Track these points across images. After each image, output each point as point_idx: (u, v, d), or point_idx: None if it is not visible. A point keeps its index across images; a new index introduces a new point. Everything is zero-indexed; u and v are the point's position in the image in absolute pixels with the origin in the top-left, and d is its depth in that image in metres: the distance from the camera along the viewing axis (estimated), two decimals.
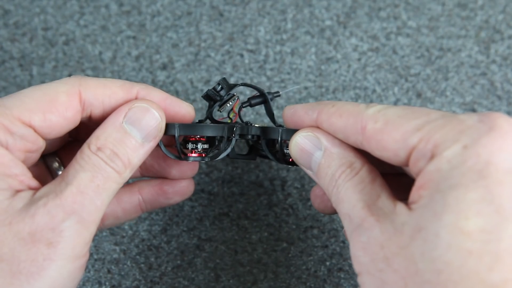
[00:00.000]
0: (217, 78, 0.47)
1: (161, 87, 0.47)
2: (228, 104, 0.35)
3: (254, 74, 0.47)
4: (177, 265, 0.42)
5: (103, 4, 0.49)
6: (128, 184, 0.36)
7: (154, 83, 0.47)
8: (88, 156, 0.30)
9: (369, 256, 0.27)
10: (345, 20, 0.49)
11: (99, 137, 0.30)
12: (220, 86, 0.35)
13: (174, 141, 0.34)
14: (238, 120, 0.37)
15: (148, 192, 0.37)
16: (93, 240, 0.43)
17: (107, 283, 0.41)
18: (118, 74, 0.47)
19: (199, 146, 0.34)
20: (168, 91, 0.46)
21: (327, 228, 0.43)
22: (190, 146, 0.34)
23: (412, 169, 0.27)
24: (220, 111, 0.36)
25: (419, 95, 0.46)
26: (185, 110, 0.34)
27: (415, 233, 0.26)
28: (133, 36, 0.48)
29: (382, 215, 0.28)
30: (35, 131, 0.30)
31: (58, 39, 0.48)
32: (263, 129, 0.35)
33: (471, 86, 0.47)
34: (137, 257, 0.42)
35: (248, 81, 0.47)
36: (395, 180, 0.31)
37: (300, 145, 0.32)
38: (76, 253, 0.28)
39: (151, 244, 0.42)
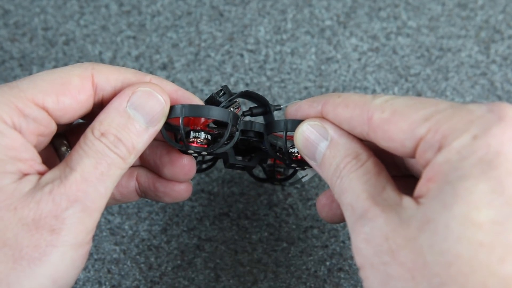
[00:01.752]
0: (217, 78, 0.47)
1: None
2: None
3: (254, 74, 0.47)
4: (177, 265, 0.42)
5: (103, 4, 0.49)
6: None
7: None
8: (92, 141, 0.29)
9: (372, 248, 0.26)
10: (345, 20, 0.49)
11: (102, 122, 0.30)
12: (222, 92, 0.34)
13: (176, 134, 0.33)
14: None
15: (143, 181, 0.36)
16: (93, 240, 0.43)
17: (107, 283, 0.41)
18: None
19: (202, 135, 0.33)
20: None
21: (327, 228, 0.43)
22: (192, 134, 0.33)
23: (419, 160, 0.27)
24: None
25: (419, 95, 0.46)
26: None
27: (423, 225, 0.25)
28: (133, 36, 0.48)
29: (387, 206, 0.27)
30: (49, 114, 0.30)
31: (58, 39, 0.48)
32: (267, 125, 0.34)
33: (471, 86, 0.47)
34: (137, 257, 0.42)
35: (248, 81, 0.47)
36: (398, 182, 0.31)
37: (306, 134, 0.31)
38: (79, 240, 0.28)
39: (151, 244, 0.42)
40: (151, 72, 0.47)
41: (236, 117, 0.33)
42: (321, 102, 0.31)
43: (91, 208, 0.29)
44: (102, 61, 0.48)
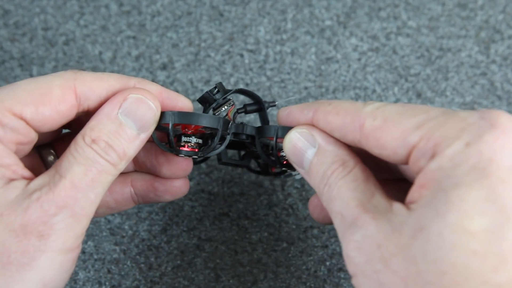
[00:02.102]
0: (217, 78, 0.47)
1: None
2: (223, 109, 0.35)
3: (254, 74, 0.47)
4: (177, 265, 0.42)
5: (103, 4, 0.49)
6: (122, 174, 0.36)
7: None
8: (82, 148, 0.29)
9: (364, 257, 0.26)
10: (345, 20, 0.49)
11: (94, 129, 0.30)
12: (216, 89, 0.34)
13: (167, 137, 0.34)
14: None
15: (140, 185, 0.36)
16: (93, 240, 0.43)
17: (107, 283, 0.41)
18: None
19: (193, 139, 0.34)
20: None
21: (327, 228, 0.43)
22: (183, 139, 0.34)
23: (412, 167, 0.27)
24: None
25: (419, 95, 0.46)
26: (182, 104, 0.34)
27: (416, 233, 0.25)
28: (133, 36, 0.48)
29: (378, 213, 0.27)
30: (27, 123, 0.30)
31: (58, 39, 0.48)
32: (259, 128, 0.34)
33: (471, 86, 0.47)
34: (137, 257, 0.42)
35: (248, 81, 0.47)
36: (387, 185, 0.31)
37: (294, 141, 0.31)
38: (68, 246, 0.28)
39: (151, 244, 0.42)
40: (151, 72, 0.47)
41: (226, 122, 0.33)
42: (312, 109, 0.31)
43: (81, 214, 0.29)
44: (102, 61, 0.48)
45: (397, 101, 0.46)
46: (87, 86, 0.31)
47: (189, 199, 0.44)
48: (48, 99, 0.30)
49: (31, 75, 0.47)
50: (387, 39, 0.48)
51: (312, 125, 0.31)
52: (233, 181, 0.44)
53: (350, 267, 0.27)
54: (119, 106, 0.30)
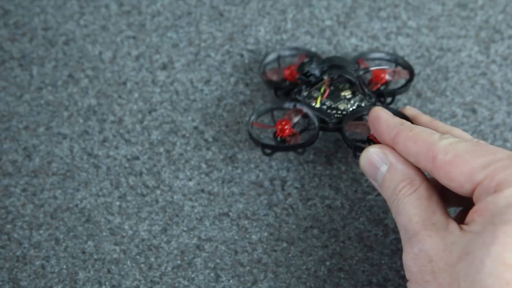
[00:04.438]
0: (217, 78, 0.47)
1: (161, 87, 0.47)
2: (317, 88, 0.41)
3: (254, 74, 0.47)
4: (177, 265, 0.42)
5: (103, 4, 0.49)
6: None
7: (154, 83, 0.47)
8: None
9: (418, 267, 0.31)
10: (345, 20, 0.49)
11: None
12: (312, 66, 0.40)
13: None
14: (324, 104, 0.42)
15: None
16: (93, 240, 0.43)
17: (107, 283, 0.41)
18: (118, 74, 0.47)
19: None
20: (168, 91, 0.47)
21: (327, 228, 0.43)
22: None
23: (474, 200, 0.31)
24: (308, 94, 0.42)
25: (419, 95, 0.46)
26: None
27: (463, 255, 0.29)
28: (133, 36, 0.48)
29: (435, 230, 0.31)
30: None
31: (58, 39, 0.48)
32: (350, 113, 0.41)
33: (471, 86, 0.47)
34: (137, 257, 0.42)
35: (248, 81, 0.47)
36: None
37: (369, 158, 0.36)
38: None
39: (151, 244, 0.42)
40: (151, 72, 0.47)
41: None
42: (395, 130, 0.35)
43: None
44: (102, 61, 0.48)
45: (396, 100, 0.46)
46: None
47: (189, 199, 0.44)
48: None
49: (31, 75, 0.47)
50: (387, 39, 0.48)
51: (385, 145, 0.36)
52: (233, 181, 0.44)
53: (407, 273, 0.32)
54: None
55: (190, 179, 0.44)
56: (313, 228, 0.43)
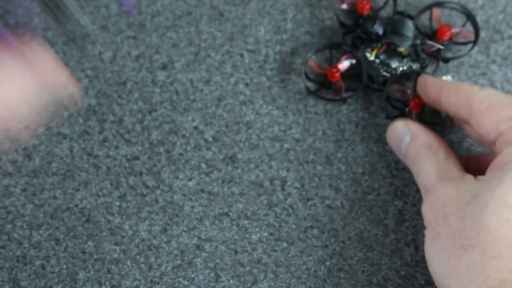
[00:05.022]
0: (217, 78, 0.47)
1: (161, 87, 0.47)
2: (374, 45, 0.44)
3: (254, 74, 0.47)
4: (177, 265, 0.42)
5: (103, 4, 0.49)
6: None
7: (154, 83, 0.47)
8: None
9: (433, 214, 0.34)
10: None
11: None
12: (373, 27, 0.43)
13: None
14: (376, 60, 0.44)
15: None
16: (93, 240, 0.43)
17: (107, 283, 0.42)
18: (118, 74, 0.47)
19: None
20: (168, 91, 0.47)
21: (327, 228, 0.43)
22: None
23: (496, 149, 0.34)
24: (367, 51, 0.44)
25: None
26: None
27: (471, 199, 0.32)
28: (133, 36, 0.48)
29: (450, 181, 0.34)
30: None
31: (58, 39, 0.48)
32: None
33: None
34: (137, 257, 0.42)
35: (248, 81, 0.47)
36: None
37: (394, 131, 0.40)
38: None
39: (151, 244, 0.42)
40: (151, 72, 0.47)
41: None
42: (440, 86, 0.39)
43: None
44: (102, 61, 0.48)
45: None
46: None
47: (189, 199, 0.44)
48: None
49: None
50: None
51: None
52: (233, 181, 0.44)
53: (425, 222, 0.35)
54: None
55: (190, 179, 0.44)
56: (313, 228, 0.43)
